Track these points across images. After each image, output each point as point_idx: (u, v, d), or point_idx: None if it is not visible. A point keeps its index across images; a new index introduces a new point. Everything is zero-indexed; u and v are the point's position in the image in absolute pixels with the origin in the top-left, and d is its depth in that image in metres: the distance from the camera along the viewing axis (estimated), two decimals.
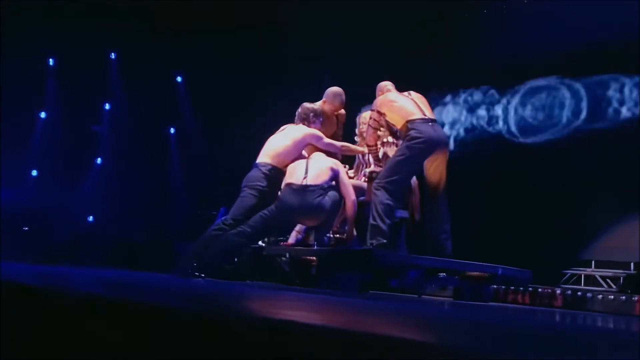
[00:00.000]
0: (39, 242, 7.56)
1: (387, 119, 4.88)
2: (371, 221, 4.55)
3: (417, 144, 4.65)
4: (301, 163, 4.79)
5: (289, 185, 4.64)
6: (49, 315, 2.07)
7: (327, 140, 5.05)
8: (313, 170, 4.70)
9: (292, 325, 1.57)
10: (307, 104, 5.17)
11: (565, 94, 6.88)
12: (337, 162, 4.93)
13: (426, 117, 4.78)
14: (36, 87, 8.45)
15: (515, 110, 7.23)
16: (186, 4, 8.24)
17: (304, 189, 4.60)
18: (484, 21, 7.31)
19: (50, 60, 8.63)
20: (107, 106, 9.03)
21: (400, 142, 4.94)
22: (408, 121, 4.72)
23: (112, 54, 8.99)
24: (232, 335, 1.53)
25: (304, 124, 5.10)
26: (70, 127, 8.45)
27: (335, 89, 5.41)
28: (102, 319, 1.88)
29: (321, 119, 5.15)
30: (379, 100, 4.93)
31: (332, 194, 4.68)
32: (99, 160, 8.91)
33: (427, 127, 4.71)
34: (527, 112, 7.13)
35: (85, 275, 3.96)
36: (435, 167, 4.81)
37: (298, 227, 5.03)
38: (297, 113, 5.17)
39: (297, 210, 4.57)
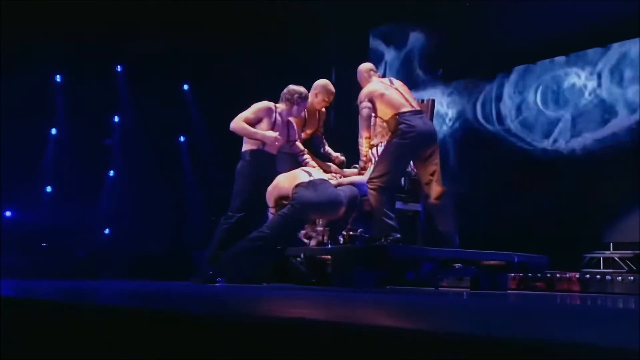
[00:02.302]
0: (58, 258, 7.67)
1: (376, 111, 4.82)
2: (377, 219, 4.60)
3: (407, 138, 4.64)
4: (297, 170, 4.89)
5: (299, 185, 4.68)
6: (73, 330, 2.12)
7: (246, 116, 4.97)
8: (314, 172, 4.84)
9: (311, 324, 1.61)
10: (293, 86, 5.13)
11: (572, 76, 6.87)
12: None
13: (415, 109, 4.76)
14: (45, 104, 8.56)
15: (524, 95, 7.22)
16: (188, 12, 8.32)
17: (314, 183, 4.66)
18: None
19: (57, 76, 8.74)
20: (116, 119, 9.14)
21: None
22: (398, 114, 4.69)
23: (118, 66, 9.09)
24: (252, 338, 1.58)
25: (286, 105, 5.07)
26: (81, 142, 8.55)
27: (324, 80, 5.41)
28: (126, 329, 1.93)
29: (306, 103, 5.13)
30: (365, 92, 4.83)
31: (346, 188, 4.76)
32: (111, 173, 9.01)
33: (417, 120, 4.70)
34: (535, 95, 7.13)
35: (106, 288, 4.04)
36: (428, 162, 4.79)
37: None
38: (281, 94, 5.13)
39: (316, 203, 4.62)
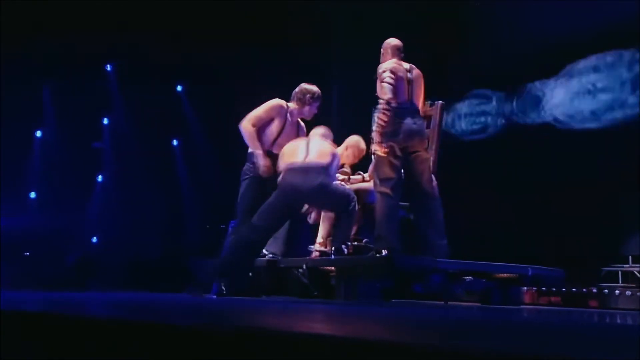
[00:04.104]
0: (44, 268, 7.68)
1: (379, 90, 4.81)
2: (376, 232, 4.65)
3: (392, 137, 4.70)
4: (301, 143, 4.87)
5: (289, 165, 4.74)
6: (62, 343, 2.14)
7: (258, 115, 4.97)
8: (314, 150, 4.81)
9: (314, 338, 1.63)
10: (305, 85, 5.16)
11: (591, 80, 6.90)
12: (337, 150, 5.02)
13: (410, 107, 4.80)
14: (30, 104, 8.57)
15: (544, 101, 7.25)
16: (182, 9, 8.36)
17: (305, 168, 4.70)
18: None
19: (44, 75, 8.76)
20: (106, 120, 9.17)
21: None
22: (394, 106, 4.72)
23: (108, 65, 9.12)
24: (252, 353, 1.60)
25: (297, 104, 5.10)
26: (69, 145, 8.57)
27: (358, 137, 5.39)
28: (118, 343, 1.94)
29: (318, 104, 5.16)
30: (387, 66, 4.80)
31: (338, 183, 4.81)
32: (101, 178, 9.03)
33: (408, 119, 4.74)
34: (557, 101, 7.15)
35: (96, 300, 4.06)
36: (418, 162, 4.83)
37: (320, 238, 5.09)
38: (293, 93, 5.17)
39: (301, 190, 4.68)
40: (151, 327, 1.89)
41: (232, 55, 8.59)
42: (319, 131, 5.04)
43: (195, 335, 1.74)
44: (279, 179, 4.78)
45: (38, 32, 7.96)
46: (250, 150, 5.09)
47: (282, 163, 4.84)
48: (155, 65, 8.65)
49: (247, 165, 5.08)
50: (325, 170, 4.75)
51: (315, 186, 4.66)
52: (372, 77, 7.91)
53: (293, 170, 4.70)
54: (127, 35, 8.29)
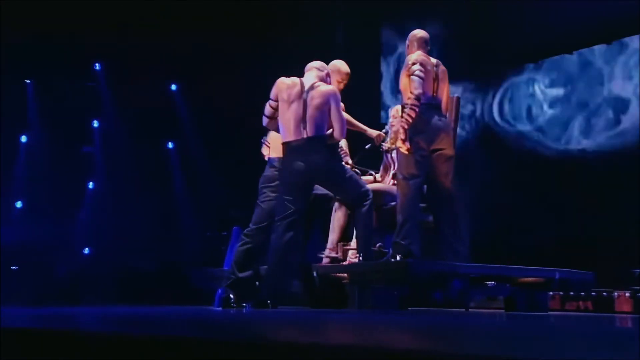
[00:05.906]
0: (33, 282, 7.69)
1: (404, 83, 4.82)
2: (394, 238, 4.64)
3: (418, 134, 4.71)
4: (295, 112, 4.69)
5: (287, 144, 4.69)
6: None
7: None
8: (312, 119, 4.66)
9: (330, 350, 1.63)
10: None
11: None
12: (336, 91, 4.80)
13: (432, 103, 4.81)
14: (14, 107, 8.58)
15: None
16: (177, 7, 8.37)
17: (305, 144, 4.63)
18: None
19: (29, 76, 8.78)
20: (96, 123, 9.18)
21: None
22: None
23: (97, 64, 9.13)
24: None
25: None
26: (56, 150, 8.58)
27: (339, 60, 5.27)
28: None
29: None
30: (416, 58, 4.82)
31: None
32: (91, 185, 9.05)
33: (434, 116, 4.78)
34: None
35: (92, 314, 4.06)
36: (442, 161, 4.83)
37: (330, 244, 5.07)
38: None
39: (305, 172, 4.62)
40: (161, 343, 1.88)
41: (230, 52, 8.60)
42: (315, 102, 4.71)
43: (209, 350, 1.73)
44: (281, 161, 4.82)
45: (22, 29, 7.98)
46: (271, 155, 5.08)
47: (282, 137, 4.78)
48: (147, 63, 8.65)
49: (269, 171, 5.06)
50: (328, 140, 4.69)
51: (322, 163, 4.63)
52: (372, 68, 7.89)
53: (292, 149, 4.66)
54: (117, 31, 8.30)
